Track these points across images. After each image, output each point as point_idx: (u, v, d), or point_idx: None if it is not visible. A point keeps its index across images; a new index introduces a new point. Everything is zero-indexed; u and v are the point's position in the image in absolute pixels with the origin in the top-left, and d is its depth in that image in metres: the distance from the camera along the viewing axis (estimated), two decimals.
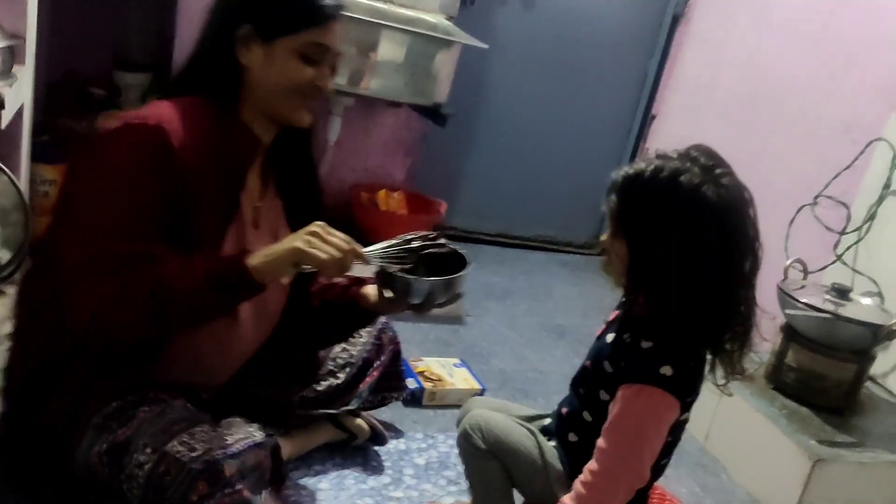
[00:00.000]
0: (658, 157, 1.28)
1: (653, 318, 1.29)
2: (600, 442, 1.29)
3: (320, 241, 1.27)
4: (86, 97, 2.71)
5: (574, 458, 1.39)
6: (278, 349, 1.70)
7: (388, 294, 1.48)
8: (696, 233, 1.23)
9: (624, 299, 1.40)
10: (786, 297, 2.21)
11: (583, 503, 1.27)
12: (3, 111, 1.49)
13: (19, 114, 1.91)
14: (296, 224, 1.52)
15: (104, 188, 1.27)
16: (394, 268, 1.40)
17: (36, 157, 2.27)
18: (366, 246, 1.40)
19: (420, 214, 3.24)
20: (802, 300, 2.16)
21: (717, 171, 1.25)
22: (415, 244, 1.46)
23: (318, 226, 1.30)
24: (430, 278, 1.42)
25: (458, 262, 1.48)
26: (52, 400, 1.35)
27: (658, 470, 1.38)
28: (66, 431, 1.32)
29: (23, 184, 2.04)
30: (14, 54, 1.77)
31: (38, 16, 1.99)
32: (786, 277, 2.34)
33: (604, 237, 1.37)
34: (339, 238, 1.29)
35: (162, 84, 2.67)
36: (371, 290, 1.60)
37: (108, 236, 1.24)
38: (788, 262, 2.37)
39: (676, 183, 1.23)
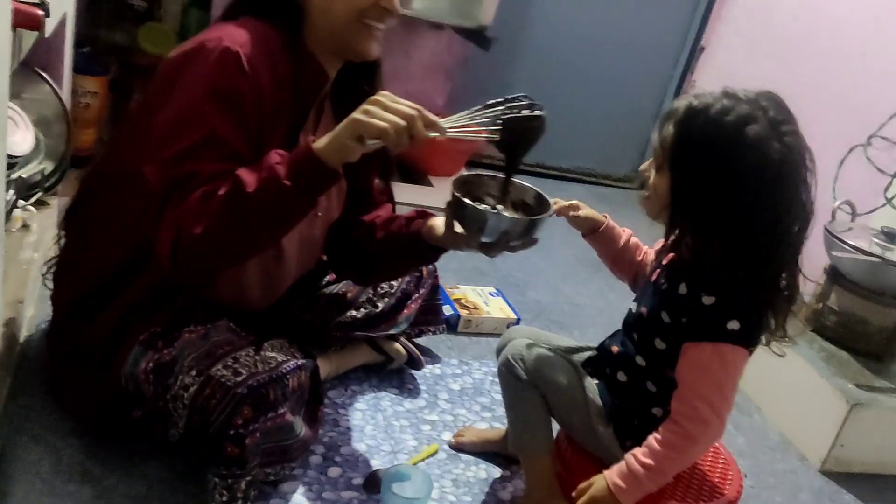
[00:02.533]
0: (726, 95, 1.22)
1: (699, 264, 1.26)
2: (676, 404, 1.26)
3: (381, 108, 1.15)
4: (126, 9, 2.66)
5: (619, 397, 1.39)
6: (320, 281, 1.71)
7: (458, 228, 1.36)
8: (751, 186, 1.19)
9: (670, 240, 1.35)
10: (832, 239, 2.16)
11: (659, 460, 1.25)
12: (46, 18, 1.45)
13: (62, 23, 1.88)
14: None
15: (191, 111, 1.22)
16: (468, 201, 1.28)
17: (77, 68, 2.26)
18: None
19: (459, 141, 3.19)
20: (849, 242, 2.12)
21: (784, 127, 1.20)
22: (496, 109, 1.27)
23: (381, 94, 1.18)
24: (508, 215, 1.32)
25: (538, 203, 1.39)
26: (100, 316, 1.36)
27: None
28: (113, 347, 1.34)
29: (65, 95, 2.03)
30: None
31: None
32: (833, 219, 2.29)
33: (645, 167, 1.32)
34: (404, 104, 1.16)
35: None
36: (438, 223, 1.45)
37: (193, 158, 1.19)
38: (837, 203, 2.31)
39: (742, 130, 1.18)
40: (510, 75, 3.48)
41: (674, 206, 1.26)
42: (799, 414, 2.11)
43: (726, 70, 3.48)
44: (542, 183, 3.56)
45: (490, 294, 2.33)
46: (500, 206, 1.37)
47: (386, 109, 1.15)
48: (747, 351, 1.25)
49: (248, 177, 1.16)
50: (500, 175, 1.40)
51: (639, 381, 1.36)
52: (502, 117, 1.26)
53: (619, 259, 1.53)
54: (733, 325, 1.22)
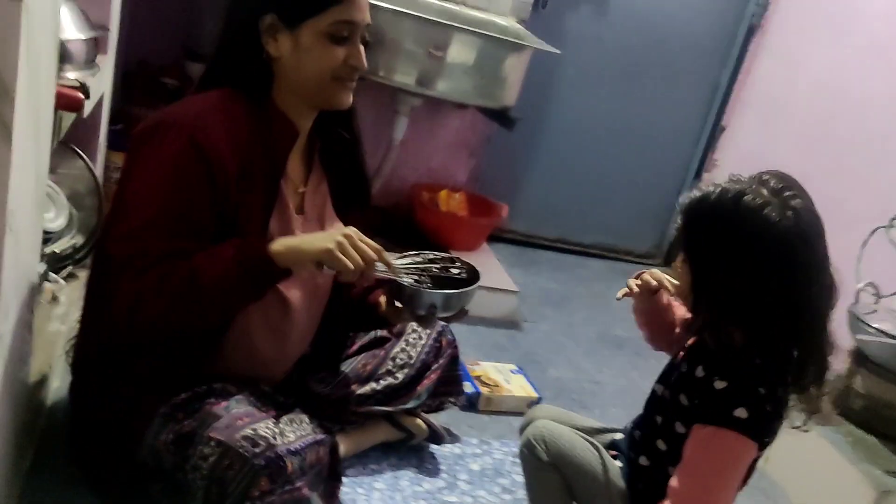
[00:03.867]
0: (729, 180, 1.26)
1: (719, 350, 1.26)
2: (674, 482, 1.25)
3: (350, 246, 1.27)
4: (158, 86, 2.76)
5: (641, 482, 1.37)
6: (331, 340, 1.72)
7: (396, 303, 1.51)
8: (755, 255, 1.20)
9: (695, 327, 1.36)
10: (856, 322, 2.14)
11: None
12: (86, 100, 1.52)
13: (99, 103, 1.95)
14: (342, 207, 1.56)
15: (145, 188, 1.29)
16: (407, 280, 1.42)
17: (110, 144, 2.32)
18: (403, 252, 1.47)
19: (481, 217, 3.23)
20: (874, 325, 2.10)
21: (787, 193, 1.22)
22: (435, 267, 1.50)
23: (350, 231, 1.30)
24: (434, 290, 1.43)
25: (471, 275, 1.52)
26: (120, 388, 1.38)
27: None
28: (134, 420, 1.35)
29: (98, 170, 2.09)
30: (98, 45, 1.81)
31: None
32: (857, 301, 2.27)
33: (677, 262, 1.35)
34: (369, 246, 1.29)
35: None
36: (382, 298, 1.62)
37: (149, 235, 1.26)
38: (860, 285, 2.30)
39: (739, 204, 1.21)
40: (532, 153, 3.54)
41: (695, 294, 1.28)
42: (826, 500, 2.05)
43: (747, 149, 3.52)
44: (565, 258, 3.63)
45: (511, 371, 2.32)
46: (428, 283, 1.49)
47: (354, 248, 1.27)
48: (754, 442, 1.23)
49: (203, 266, 1.26)
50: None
51: (660, 466, 1.34)
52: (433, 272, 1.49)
53: (663, 320, 1.52)
54: (741, 412, 1.21)
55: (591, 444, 1.42)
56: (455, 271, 1.51)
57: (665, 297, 1.51)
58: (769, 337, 1.23)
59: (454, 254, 1.57)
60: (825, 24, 3.18)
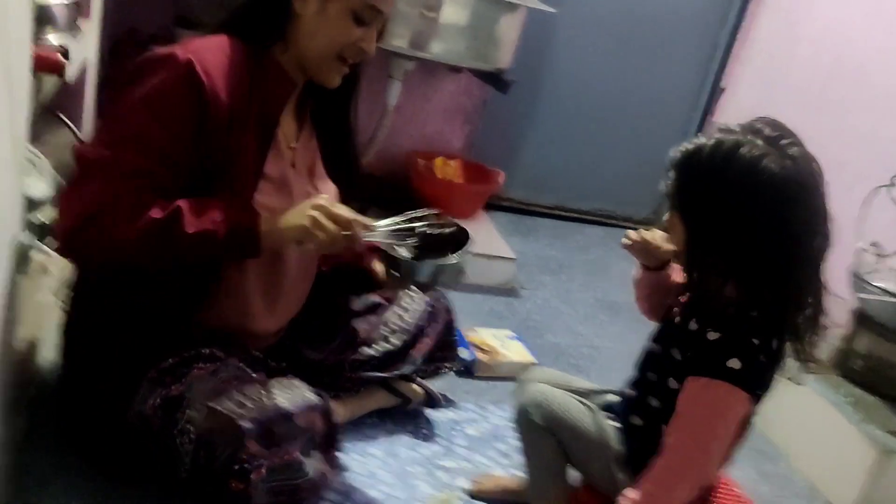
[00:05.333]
0: (720, 130, 1.22)
1: (714, 304, 1.24)
2: (667, 436, 1.24)
3: (325, 217, 1.28)
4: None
5: (636, 442, 1.35)
6: (324, 305, 1.70)
7: (394, 273, 1.50)
8: (755, 208, 1.17)
9: (687, 282, 1.33)
10: (858, 281, 2.12)
11: (645, 496, 1.22)
12: (68, 63, 1.48)
13: (84, 68, 1.91)
14: (331, 163, 1.57)
15: (130, 108, 1.28)
16: (399, 251, 1.41)
17: (99, 112, 2.28)
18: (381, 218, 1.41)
19: (477, 183, 3.20)
20: (876, 284, 2.08)
21: (783, 141, 1.18)
22: (419, 225, 1.46)
23: (322, 201, 1.31)
24: (431, 260, 1.44)
25: (463, 238, 1.49)
26: (108, 355, 1.37)
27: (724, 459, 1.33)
28: (122, 385, 1.34)
29: (86, 138, 2.05)
30: (80, 8, 1.77)
31: None
32: (858, 260, 2.24)
33: (667, 216, 1.31)
34: (343, 213, 1.30)
35: None
36: (379, 266, 1.64)
37: (125, 149, 1.25)
38: (862, 244, 2.27)
39: (735, 156, 1.17)
40: (529, 118, 3.49)
41: (689, 250, 1.25)
42: (827, 462, 2.04)
43: (747, 110, 3.43)
44: (563, 225, 3.60)
45: (508, 337, 2.30)
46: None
47: (329, 217, 1.28)
48: (747, 395, 1.21)
49: (189, 216, 1.25)
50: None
51: (654, 425, 1.32)
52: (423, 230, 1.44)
53: (661, 293, 1.48)
54: (734, 363, 1.19)
55: (587, 406, 1.40)
56: (447, 230, 1.49)
57: (671, 271, 1.48)
58: (766, 290, 1.20)
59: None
60: None
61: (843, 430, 1.99)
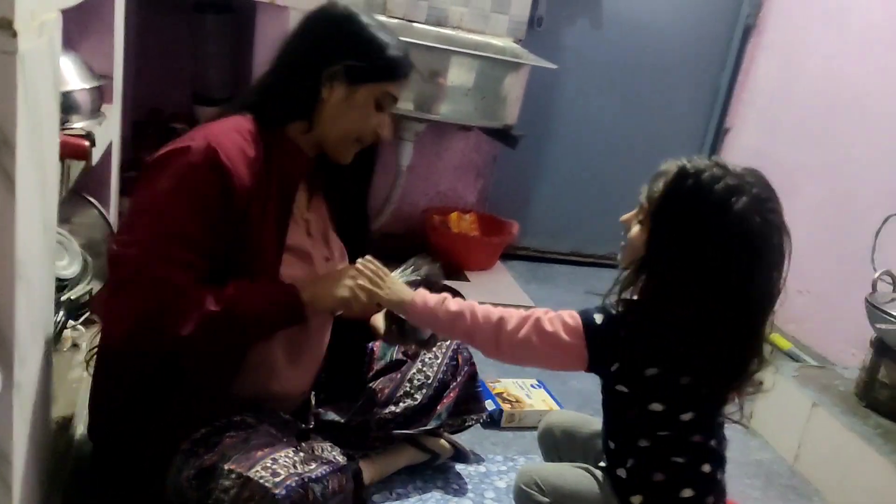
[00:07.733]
0: (716, 165, 1.26)
1: (651, 304, 1.30)
2: (519, 328, 1.38)
3: (362, 291, 1.41)
4: (169, 132, 2.80)
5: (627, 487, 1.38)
6: (346, 365, 1.75)
7: (395, 331, 1.59)
8: (727, 256, 1.22)
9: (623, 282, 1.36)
10: (875, 311, 2.13)
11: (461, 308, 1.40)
12: (93, 148, 1.55)
13: (108, 151, 1.99)
14: (343, 228, 1.63)
15: (158, 199, 1.32)
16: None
17: (124, 191, 2.35)
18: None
19: (493, 235, 3.25)
20: (893, 314, 2.08)
21: (768, 204, 1.24)
22: (419, 279, 1.56)
23: (359, 267, 1.43)
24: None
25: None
26: (141, 427, 1.40)
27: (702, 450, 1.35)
28: (156, 458, 1.36)
29: (112, 217, 2.13)
30: (102, 94, 1.85)
31: (125, 57, 2.08)
32: (874, 290, 2.25)
33: (627, 217, 1.37)
34: (375, 281, 1.42)
35: None
36: (379, 323, 1.68)
37: (157, 245, 1.30)
38: (877, 274, 2.29)
39: (730, 201, 1.22)
40: (539, 169, 3.55)
41: (647, 258, 1.30)
42: (860, 495, 2.02)
43: (752, 149, 3.51)
44: (579, 270, 3.61)
45: (532, 386, 2.32)
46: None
47: (363, 288, 1.41)
48: (581, 326, 1.31)
49: (242, 304, 1.33)
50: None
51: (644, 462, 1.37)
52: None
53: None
54: (598, 316, 1.30)
55: (581, 468, 1.43)
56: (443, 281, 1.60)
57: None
58: (706, 318, 1.24)
59: (468, 274, 1.62)
60: (821, 17, 3.18)
61: (874, 462, 1.98)
